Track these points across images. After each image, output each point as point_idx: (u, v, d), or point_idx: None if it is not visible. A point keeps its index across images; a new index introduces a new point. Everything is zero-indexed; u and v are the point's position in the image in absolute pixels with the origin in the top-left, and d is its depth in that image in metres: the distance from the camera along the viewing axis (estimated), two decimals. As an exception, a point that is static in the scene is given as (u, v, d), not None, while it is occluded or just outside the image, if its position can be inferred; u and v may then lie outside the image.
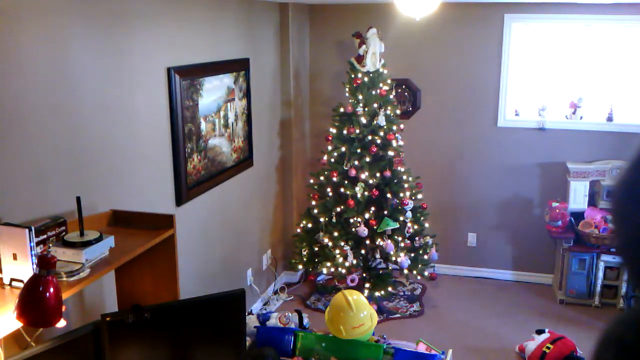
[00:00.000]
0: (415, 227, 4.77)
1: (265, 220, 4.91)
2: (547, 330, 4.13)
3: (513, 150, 5.15)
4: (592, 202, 4.92)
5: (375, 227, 4.60)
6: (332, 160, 4.73)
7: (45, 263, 1.83)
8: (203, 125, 3.74)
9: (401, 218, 4.65)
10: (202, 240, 3.86)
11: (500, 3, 4.83)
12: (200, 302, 2.44)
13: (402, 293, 5.09)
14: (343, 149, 4.68)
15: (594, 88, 4.89)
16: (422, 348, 2.73)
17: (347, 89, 4.77)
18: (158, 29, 3.22)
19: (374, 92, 4.66)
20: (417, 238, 4.77)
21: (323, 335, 2.74)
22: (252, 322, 2.98)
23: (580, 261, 4.79)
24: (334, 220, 4.72)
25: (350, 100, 4.71)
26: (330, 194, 4.75)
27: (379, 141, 4.63)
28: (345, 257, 4.68)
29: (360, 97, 4.66)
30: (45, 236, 2.20)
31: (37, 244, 2.09)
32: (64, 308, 1.89)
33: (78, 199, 2.31)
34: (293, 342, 2.73)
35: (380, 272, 4.88)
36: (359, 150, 4.63)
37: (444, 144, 5.30)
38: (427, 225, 4.88)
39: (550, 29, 4.89)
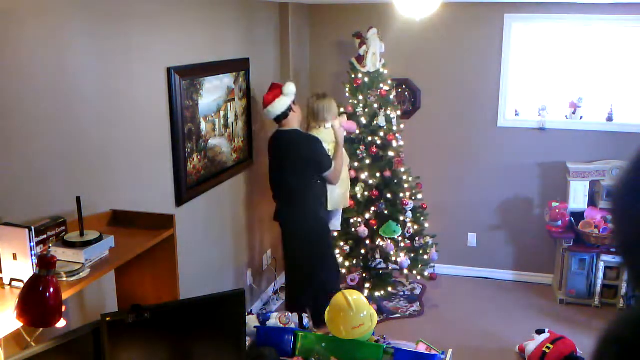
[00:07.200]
0: (415, 227, 4.77)
1: (265, 220, 4.90)
2: (547, 330, 4.13)
3: (513, 150, 5.14)
4: (592, 202, 4.92)
5: (375, 227, 4.60)
6: (332, 160, 4.73)
7: (45, 263, 1.83)
8: (203, 125, 3.74)
9: (401, 218, 4.65)
10: (202, 240, 3.86)
11: (500, 3, 4.83)
12: (200, 302, 2.43)
13: (402, 293, 5.08)
14: (343, 149, 4.67)
15: (594, 88, 4.89)
16: (422, 348, 2.73)
17: (347, 89, 4.77)
18: (158, 29, 3.22)
19: (374, 93, 4.65)
20: (417, 238, 4.76)
21: (323, 335, 2.73)
22: (252, 322, 2.98)
23: (580, 261, 4.79)
24: (334, 220, 4.72)
25: (351, 101, 4.71)
26: (331, 194, 4.75)
27: (379, 141, 4.63)
28: (345, 257, 4.68)
29: (361, 97, 4.66)
30: (45, 236, 2.20)
31: (37, 244, 2.09)
32: (64, 308, 1.89)
33: (78, 199, 2.31)
34: (293, 342, 2.72)
35: (380, 272, 4.88)
36: (359, 151, 4.63)
37: (444, 144, 5.29)
38: (427, 225, 4.88)
39: (550, 29, 4.89)
